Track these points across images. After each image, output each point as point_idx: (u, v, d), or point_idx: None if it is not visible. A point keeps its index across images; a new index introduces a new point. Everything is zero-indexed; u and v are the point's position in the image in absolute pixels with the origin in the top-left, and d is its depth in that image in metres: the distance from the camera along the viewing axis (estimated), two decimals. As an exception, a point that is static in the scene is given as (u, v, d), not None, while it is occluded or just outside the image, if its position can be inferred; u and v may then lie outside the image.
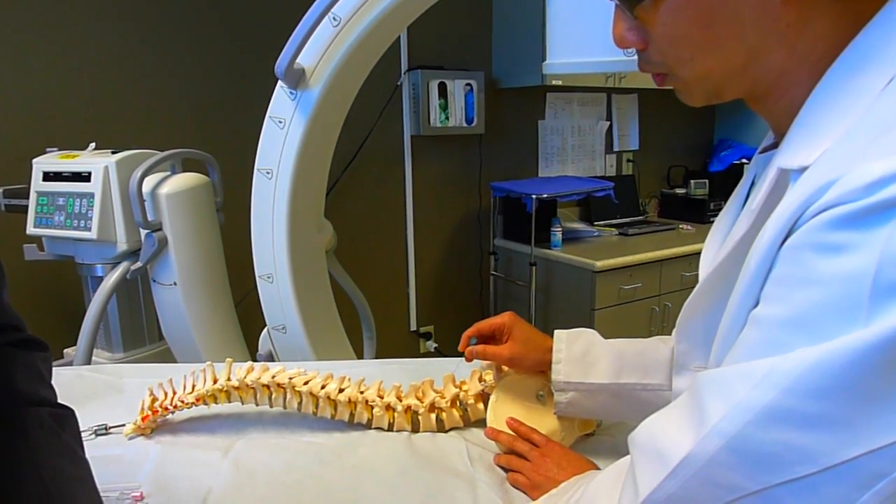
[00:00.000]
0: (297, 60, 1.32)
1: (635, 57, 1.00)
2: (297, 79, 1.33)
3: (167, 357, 1.86)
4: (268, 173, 1.44)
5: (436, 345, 3.22)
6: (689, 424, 0.50)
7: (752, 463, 0.45)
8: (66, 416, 0.71)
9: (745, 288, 0.51)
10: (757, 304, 0.50)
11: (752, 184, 0.68)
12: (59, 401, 0.73)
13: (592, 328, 1.00)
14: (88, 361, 1.67)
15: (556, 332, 0.98)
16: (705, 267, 0.70)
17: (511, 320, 1.01)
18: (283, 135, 1.40)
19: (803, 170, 0.49)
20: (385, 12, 1.25)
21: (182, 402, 1.05)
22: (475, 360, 1.03)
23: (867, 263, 0.41)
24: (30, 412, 0.66)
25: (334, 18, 1.28)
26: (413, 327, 3.17)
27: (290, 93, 1.37)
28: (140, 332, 1.90)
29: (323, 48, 1.31)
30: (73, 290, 2.02)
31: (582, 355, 0.95)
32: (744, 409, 0.45)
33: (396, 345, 3.10)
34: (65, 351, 1.95)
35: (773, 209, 0.50)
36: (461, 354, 1.04)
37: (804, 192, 0.46)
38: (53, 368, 1.37)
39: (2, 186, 1.91)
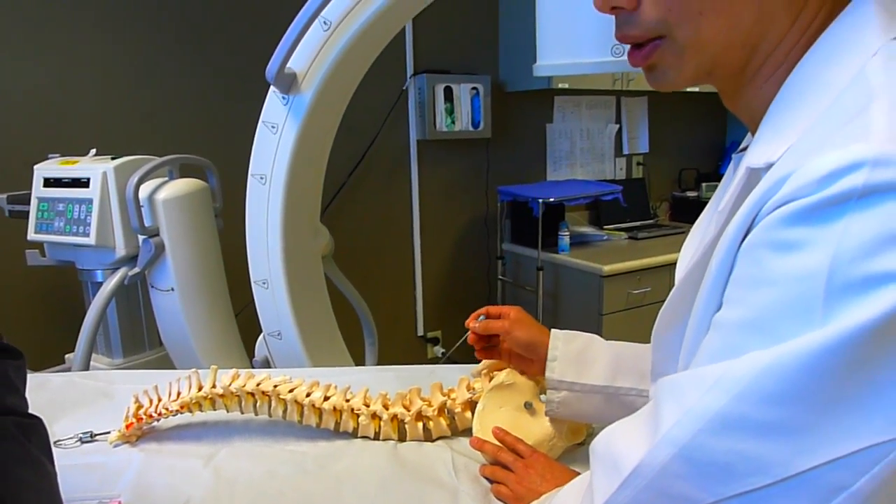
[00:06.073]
0: (289, 65, 1.31)
1: (624, 58, 0.98)
2: (288, 83, 1.33)
3: (166, 363, 1.85)
4: (261, 178, 1.43)
5: (443, 350, 3.20)
6: (645, 432, 0.47)
7: (704, 473, 0.43)
8: (34, 426, 0.70)
9: (707, 291, 0.49)
10: (720, 307, 0.48)
11: None
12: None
13: (600, 333, 0.97)
14: (86, 367, 1.67)
15: (554, 330, 0.96)
16: (679, 275, 0.67)
17: (517, 313, 1.00)
18: (276, 140, 1.39)
19: (770, 167, 0.47)
20: (375, 16, 1.24)
21: (166, 409, 1.04)
22: (465, 371, 1.01)
23: (821, 261, 0.39)
24: (-9, 421, 0.65)
25: (325, 22, 1.27)
26: (420, 332, 3.16)
27: (282, 97, 1.36)
28: (140, 338, 1.90)
29: (314, 52, 1.30)
30: (75, 296, 2.02)
31: (578, 354, 0.92)
32: (695, 416, 0.43)
33: (404, 350, 3.09)
34: (66, 356, 1.95)
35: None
36: (469, 361, 1.04)
37: (762, 188, 0.44)
38: (46, 374, 1.37)
39: (6, 192, 1.92)
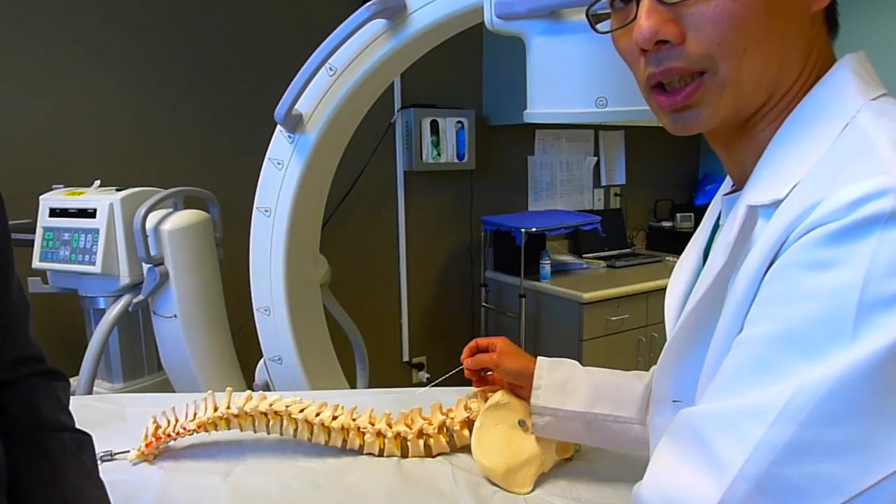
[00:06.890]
0: (295, 107, 1.40)
1: (606, 109, 1.09)
2: (294, 124, 1.42)
3: (165, 387, 1.91)
4: (266, 211, 1.52)
5: (428, 375, 3.27)
6: (707, 472, 0.48)
7: (783, 501, 0.45)
8: (85, 441, 0.78)
9: (732, 316, 0.52)
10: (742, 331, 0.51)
11: (716, 224, 0.72)
12: None
13: (581, 359, 1.07)
14: (90, 391, 1.73)
15: (539, 358, 1.06)
16: (674, 306, 0.73)
17: (504, 344, 1.10)
18: (282, 176, 1.48)
19: (774, 204, 0.52)
20: (378, 64, 1.35)
21: (184, 429, 1.12)
22: (461, 392, 1.10)
23: (855, 276, 0.43)
24: (53, 436, 0.73)
25: (330, 69, 1.37)
26: (405, 358, 3.23)
27: (289, 136, 1.45)
28: (140, 363, 1.96)
29: (319, 96, 1.40)
30: (74, 322, 2.08)
31: (561, 383, 1.02)
32: (767, 449, 0.45)
33: (389, 375, 3.16)
34: (66, 381, 2.00)
35: (745, 242, 0.54)
36: (452, 384, 1.16)
37: (786, 218, 0.48)
38: (60, 398, 1.43)
39: (8, 221, 1.98)
